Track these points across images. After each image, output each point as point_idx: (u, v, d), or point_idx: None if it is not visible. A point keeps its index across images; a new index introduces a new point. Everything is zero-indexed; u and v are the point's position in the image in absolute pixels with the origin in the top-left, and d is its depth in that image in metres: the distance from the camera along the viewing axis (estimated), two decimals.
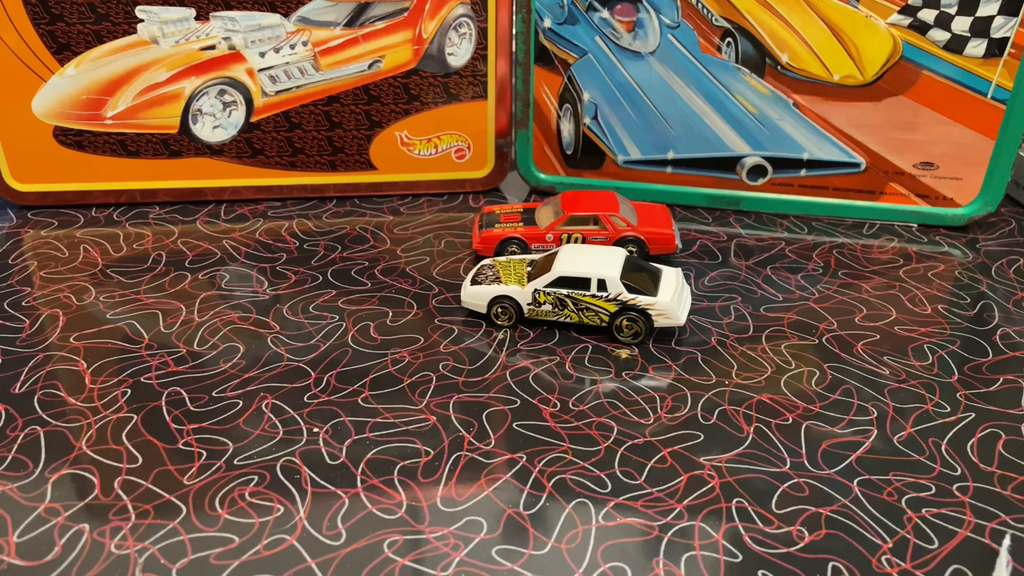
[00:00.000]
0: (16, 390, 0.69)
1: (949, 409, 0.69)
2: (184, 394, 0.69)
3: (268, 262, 0.91)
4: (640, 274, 0.78)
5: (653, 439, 0.64)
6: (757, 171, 1.03)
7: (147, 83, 0.99)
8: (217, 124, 1.02)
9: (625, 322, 0.76)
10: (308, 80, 1.01)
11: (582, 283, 0.76)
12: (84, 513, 0.57)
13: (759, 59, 0.97)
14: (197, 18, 0.96)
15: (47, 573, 0.53)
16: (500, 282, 0.79)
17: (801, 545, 0.55)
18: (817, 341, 0.78)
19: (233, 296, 0.84)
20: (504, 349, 0.76)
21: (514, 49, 1.03)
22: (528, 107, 1.06)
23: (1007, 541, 0.56)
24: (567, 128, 1.06)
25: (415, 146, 1.06)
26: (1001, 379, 0.73)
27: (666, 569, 0.53)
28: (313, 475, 0.61)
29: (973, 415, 0.68)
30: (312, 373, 0.72)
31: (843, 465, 0.62)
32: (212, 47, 0.98)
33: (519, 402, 0.69)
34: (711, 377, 0.72)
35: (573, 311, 0.77)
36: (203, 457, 0.62)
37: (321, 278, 0.88)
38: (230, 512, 0.57)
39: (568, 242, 0.90)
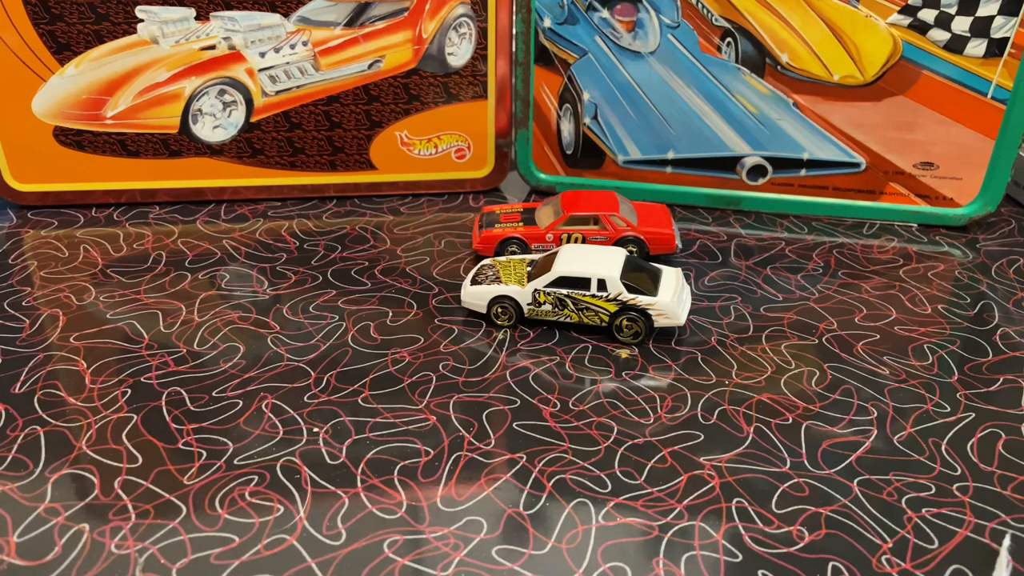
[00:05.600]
0: (16, 390, 0.69)
1: (949, 409, 0.69)
2: (184, 394, 0.69)
3: (268, 262, 0.91)
4: (640, 274, 0.78)
5: (653, 439, 0.64)
6: (757, 171, 1.03)
7: (147, 83, 0.99)
8: (217, 124, 1.02)
9: (625, 322, 0.76)
10: (308, 80, 1.01)
11: (582, 283, 0.76)
12: (84, 513, 0.57)
13: (759, 59, 0.97)
14: (197, 18, 0.96)
15: (47, 573, 0.53)
16: (500, 282, 0.79)
17: (801, 545, 0.55)
18: (817, 341, 0.78)
19: (233, 296, 0.84)
20: (504, 349, 0.76)
21: (514, 49, 1.03)
22: (528, 107, 1.06)
23: (1007, 541, 0.56)
24: (567, 128, 1.06)
25: (415, 146, 1.06)
26: (1001, 379, 0.73)
27: (666, 569, 0.53)
28: (313, 475, 0.61)
29: (973, 415, 0.68)
30: (312, 373, 0.72)
31: (843, 465, 0.62)
32: (212, 47, 0.98)
33: (519, 402, 0.69)
34: (711, 377, 0.72)
35: (573, 311, 0.77)
36: (203, 457, 0.62)
37: (321, 278, 0.88)
38: (230, 512, 0.57)
39: (568, 242, 0.90)
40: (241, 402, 0.68)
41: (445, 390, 0.70)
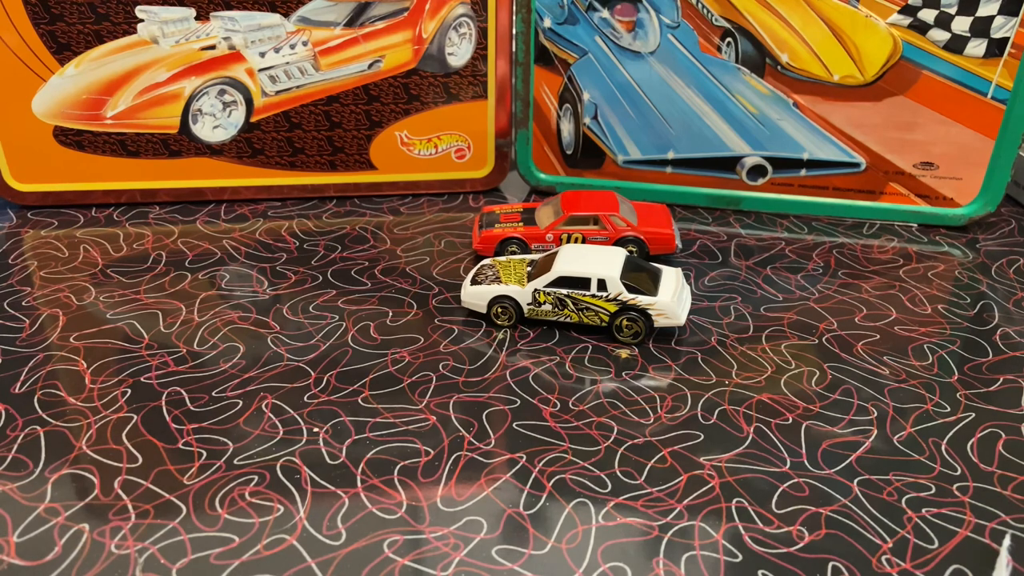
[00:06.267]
0: (16, 390, 0.69)
1: (949, 409, 0.69)
2: (184, 394, 0.69)
3: (268, 262, 0.91)
4: (640, 274, 0.78)
5: (653, 439, 0.64)
6: (757, 171, 1.03)
7: (147, 83, 0.99)
8: (217, 124, 1.02)
9: (625, 322, 0.76)
10: (308, 80, 1.01)
11: (582, 283, 0.76)
12: (84, 513, 0.57)
13: (759, 59, 0.97)
14: (197, 18, 0.96)
15: (47, 573, 0.53)
16: (500, 282, 0.79)
17: (801, 545, 0.55)
18: (817, 341, 0.78)
19: (233, 296, 0.84)
20: (504, 349, 0.76)
21: (514, 49, 1.03)
22: (528, 107, 1.06)
23: (1007, 541, 0.56)
24: (567, 128, 1.06)
25: (415, 146, 1.06)
26: (1001, 379, 0.73)
27: (666, 569, 0.53)
28: (313, 475, 0.61)
29: (973, 415, 0.68)
30: (312, 373, 0.72)
31: (843, 465, 0.62)
32: (212, 47, 0.98)
33: (519, 402, 0.69)
34: (711, 377, 0.72)
35: (573, 311, 0.77)
36: (203, 457, 0.62)
37: (321, 278, 0.88)
38: (230, 512, 0.57)
39: (568, 242, 0.90)
40: (241, 402, 0.68)
41: (445, 390, 0.70)
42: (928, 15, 0.92)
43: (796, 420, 0.67)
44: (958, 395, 0.70)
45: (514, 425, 0.66)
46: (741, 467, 0.62)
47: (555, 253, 0.80)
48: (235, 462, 0.62)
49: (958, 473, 0.62)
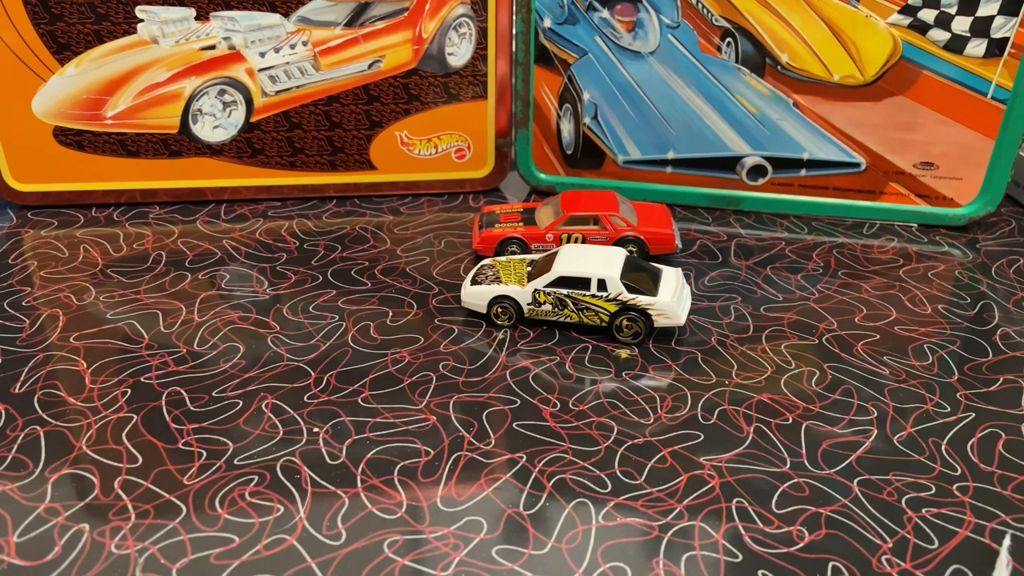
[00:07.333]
0: (16, 390, 0.69)
1: (949, 409, 0.69)
2: (184, 394, 0.69)
3: (268, 262, 0.91)
4: (640, 274, 0.78)
5: (653, 439, 0.64)
6: (757, 171, 1.03)
7: (147, 83, 0.99)
8: (217, 124, 1.02)
9: (625, 322, 0.76)
10: (308, 80, 1.01)
11: (582, 283, 0.76)
12: (84, 513, 0.57)
13: (759, 59, 0.97)
14: (197, 18, 0.96)
15: (47, 573, 0.53)
16: (500, 282, 0.79)
17: (801, 545, 0.55)
18: (817, 341, 0.78)
19: (233, 296, 0.84)
20: (504, 349, 0.76)
21: (514, 49, 1.03)
22: (528, 107, 1.06)
23: (1007, 541, 0.56)
24: (567, 128, 1.06)
25: (415, 146, 1.06)
26: (1001, 379, 0.73)
27: (666, 569, 0.53)
28: (313, 475, 0.61)
29: (973, 415, 0.68)
30: (312, 373, 0.72)
31: (843, 465, 0.62)
32: (212, 47, 0.98)
33: (519, 402, 0.69)
34: (711, 377, 0.72)
35: (573, 311, 0.77)
36: (203, 457, 0.62)
37: (321, 278, 0.88)
38: (230, 512, 0.57)
39: (568, 242, 0.90)
40: (241, 402, 0.68)
41: (445, 390, 0.70)
42: (928, 15, 0.92)
43: (796, 420, 0.67)
44: (958, 395, 0.70)
45: (514, 425, 0.66)
46: (741, 467, 0.62)
47: (555, 253, 0.80)
48: (235, 462, 0.62)
49: (958, 473, 0.62)
